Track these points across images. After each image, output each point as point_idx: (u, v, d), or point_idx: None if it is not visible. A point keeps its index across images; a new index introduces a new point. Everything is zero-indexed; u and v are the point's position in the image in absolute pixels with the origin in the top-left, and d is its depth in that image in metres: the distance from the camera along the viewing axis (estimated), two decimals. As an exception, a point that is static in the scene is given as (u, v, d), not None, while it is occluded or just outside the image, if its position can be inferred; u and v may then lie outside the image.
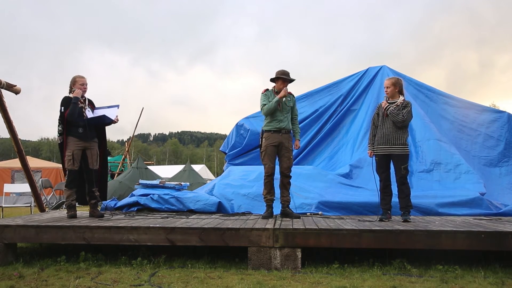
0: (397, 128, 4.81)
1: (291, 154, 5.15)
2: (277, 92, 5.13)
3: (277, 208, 5.33)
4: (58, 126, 4.97)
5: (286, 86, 5.14)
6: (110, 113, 5.14)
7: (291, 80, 5.21)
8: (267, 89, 5.23)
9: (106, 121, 5.13)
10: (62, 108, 4.93)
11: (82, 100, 5.01)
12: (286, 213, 5.08)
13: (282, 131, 5.06)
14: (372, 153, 5.00)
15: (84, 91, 5.08)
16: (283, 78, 5.11)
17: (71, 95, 4.99)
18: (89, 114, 5.05)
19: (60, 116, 4.95)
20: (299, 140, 5.43)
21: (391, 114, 4.79)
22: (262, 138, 5.15)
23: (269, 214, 5.01)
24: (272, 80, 5.23)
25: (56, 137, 5.10)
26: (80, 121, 4.91)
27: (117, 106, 5.22)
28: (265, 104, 5.11)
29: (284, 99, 5.05)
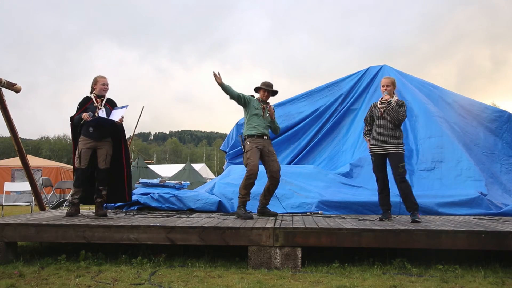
0: (393, 127, 4.81)
1: (276, 157, 5.26)
2: (262, 101, 5.26)
3: (277, 208, 5.32)
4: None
5: (269, 97, 5.32)
6: (117, 114, 5.10)
7: (274, 92, 5.33)
8: (253, 96, 5.31)
9: (107, 122, 5.04)
10: (78, 106, 5.06)
11: (99, 100, 5.09)
12: (263, 211, 5.15)
13: (264, 137, 5.17)
14: (369, 141, 5.05)
15: (105, 91, 5.14)
16: (263, 89, 5.24)
17: (91, 95, 5.11)
18: (102, 114, 5.03)
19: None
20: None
21: (392, 110, 4.79)
22: (245, 142, 5.16)
23: (245, 212, 4.91)
24: (255, 89, 5.33)
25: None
26: (91, 121, 4.92)
27: (126, 106, 5.18)
28: (241, 94, 5.13)
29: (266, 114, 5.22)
